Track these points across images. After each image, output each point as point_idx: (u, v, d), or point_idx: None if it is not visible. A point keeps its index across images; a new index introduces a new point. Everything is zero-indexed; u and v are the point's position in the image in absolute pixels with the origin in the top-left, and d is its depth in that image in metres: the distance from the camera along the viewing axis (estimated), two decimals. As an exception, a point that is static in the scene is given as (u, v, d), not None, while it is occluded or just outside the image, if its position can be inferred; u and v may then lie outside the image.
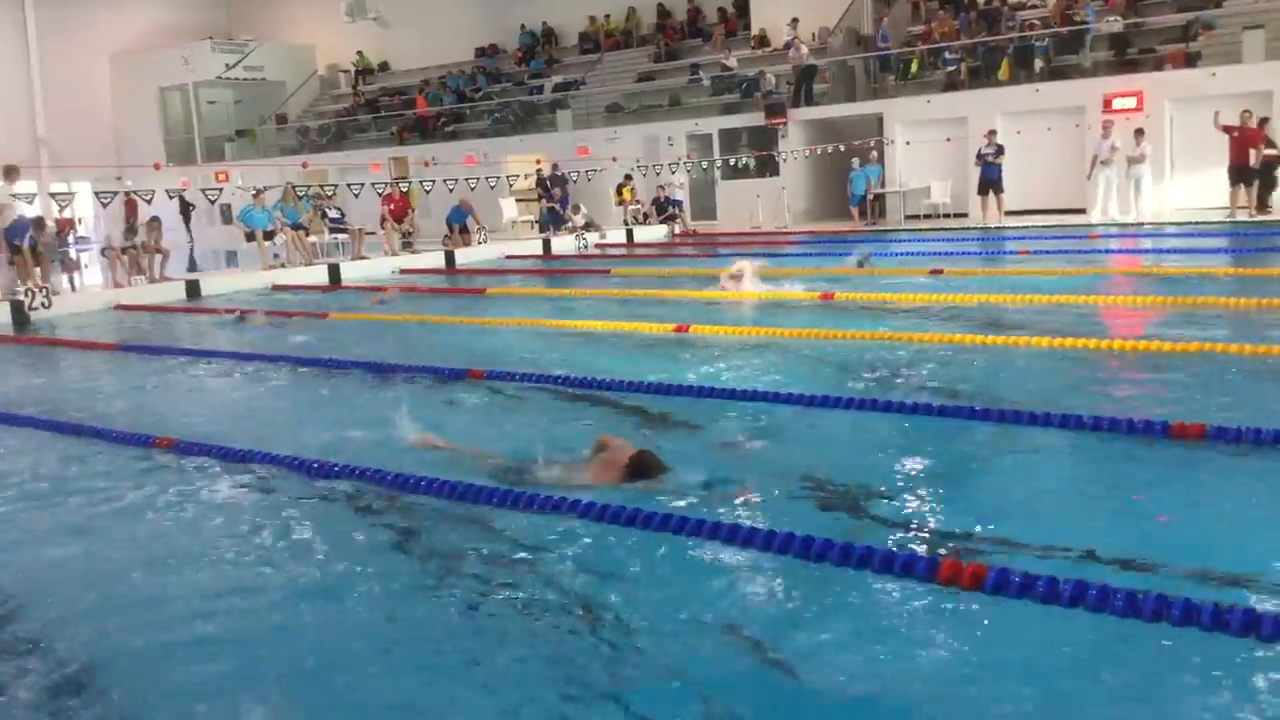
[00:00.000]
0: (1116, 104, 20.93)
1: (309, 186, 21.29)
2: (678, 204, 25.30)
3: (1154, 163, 19.73)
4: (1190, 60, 21.00)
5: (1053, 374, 7.84)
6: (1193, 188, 20.66)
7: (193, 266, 20.13)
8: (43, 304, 15.59)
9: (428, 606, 4.27)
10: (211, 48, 36.28)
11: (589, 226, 23.80)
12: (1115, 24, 22.28)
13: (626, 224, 25.13)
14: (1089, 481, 5.56)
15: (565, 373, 8.48)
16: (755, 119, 25.86)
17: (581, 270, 18.21)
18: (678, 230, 24.79)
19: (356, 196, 21.17)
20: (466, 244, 22.06)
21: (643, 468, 5.36)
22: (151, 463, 6.65)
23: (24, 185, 20.40)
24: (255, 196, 18.51)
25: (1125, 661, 3.51)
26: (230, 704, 3.52)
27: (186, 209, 17.96)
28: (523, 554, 4.68)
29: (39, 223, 17.06)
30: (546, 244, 22.74)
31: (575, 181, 24.78)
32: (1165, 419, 5.93)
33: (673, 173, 25.45)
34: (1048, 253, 15.64)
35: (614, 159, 26.28)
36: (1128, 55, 22.05)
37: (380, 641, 3.95)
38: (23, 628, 4.24)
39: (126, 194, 18.97)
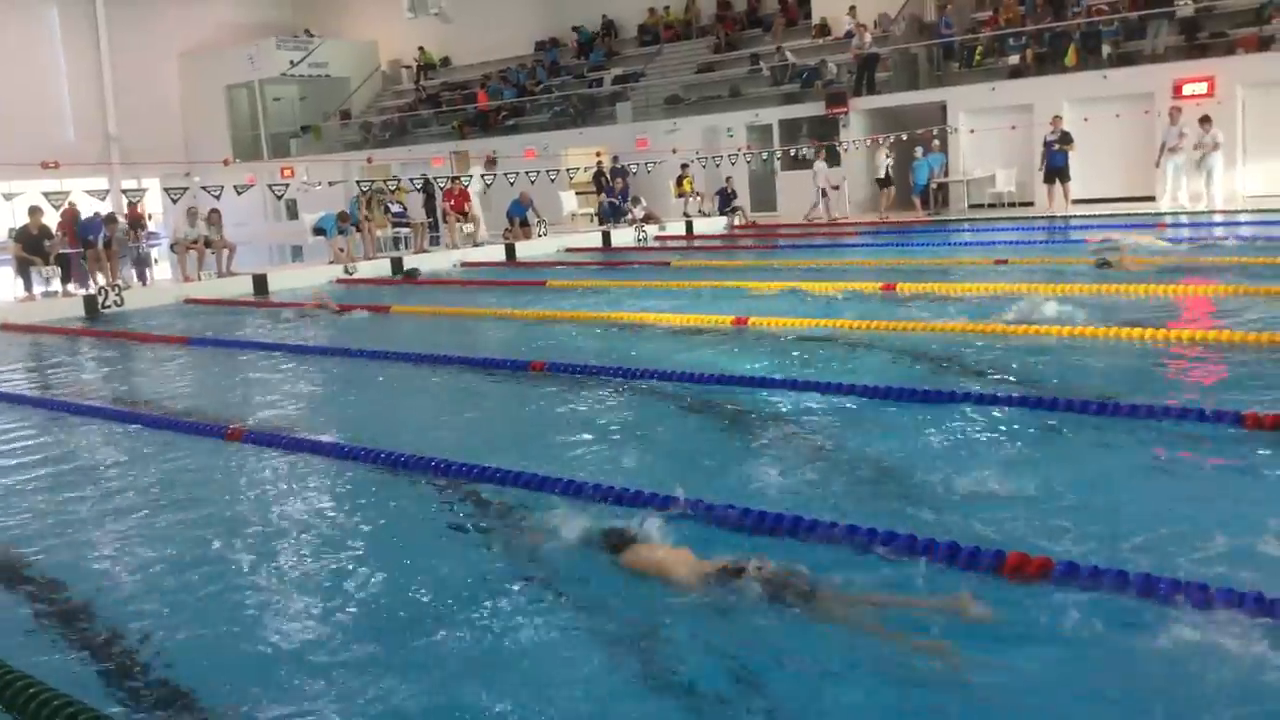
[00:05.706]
0: (1187, 90, 20.46)
1: (372, 182, 21.60)
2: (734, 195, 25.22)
3: (1226, 149, 19.28)
4: (1264, 44, 20.45)
5: (1124, 367, 7.72)
6: (1267, 174, 20.16)
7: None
8: (115, 302, 15.98)
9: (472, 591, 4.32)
10: (277, 45, 36.81)
11: (648, 219, 23.81)
12: (1186, 7, 21.76)
13: (686, 216, 25.08)
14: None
15: (626, 365, 8.49)
16: (816, 109, 25.70)
17: (641, 262, 18.25)
18: (738, 222, 24.71)
19: (420, 190, 21.38)
20: (527, 237, 22.19)
21: None
22: (225, 452, 6.78)
23: (95, 182, 20.87)
24: (341, 218, 19.06)
25: None
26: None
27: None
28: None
29: (110, 219, 17.44)
30: (606, 236, 22.80)
31: (635, 174, 24.79)
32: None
33: (732, 164, 25.31)
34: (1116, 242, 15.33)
35: (674, 151, 26.23)
36: (1198, 40, 21.55)
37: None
38: (106, 624, 4.35)
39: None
